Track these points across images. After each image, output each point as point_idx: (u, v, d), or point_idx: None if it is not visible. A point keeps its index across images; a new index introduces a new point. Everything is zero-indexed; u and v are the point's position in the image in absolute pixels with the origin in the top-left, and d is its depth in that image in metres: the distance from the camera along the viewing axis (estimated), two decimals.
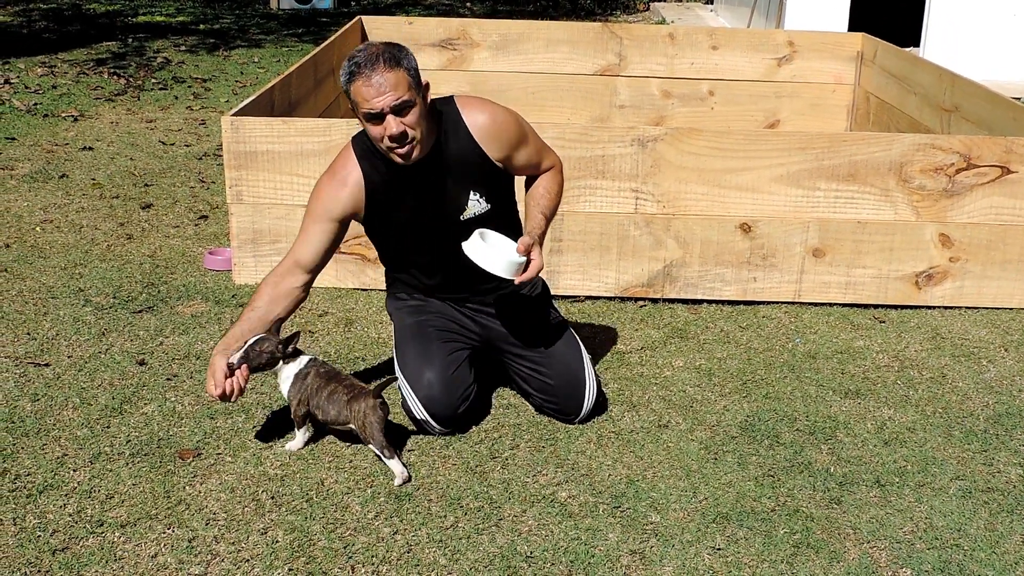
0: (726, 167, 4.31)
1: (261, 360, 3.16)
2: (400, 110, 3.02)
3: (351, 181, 3.24)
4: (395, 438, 3.31)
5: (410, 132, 3.06)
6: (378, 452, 3.08)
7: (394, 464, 3.07)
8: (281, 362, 3.20)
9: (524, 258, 3.11)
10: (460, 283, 3.43)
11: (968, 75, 5.85)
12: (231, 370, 3.10)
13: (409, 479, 3.07)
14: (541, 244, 3.24)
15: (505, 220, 3.38)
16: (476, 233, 3.14)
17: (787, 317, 4.38)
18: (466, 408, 3.34)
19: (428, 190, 3.25)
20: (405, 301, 3.54)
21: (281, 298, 3.26)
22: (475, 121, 3.24)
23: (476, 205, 3.29)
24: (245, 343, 3.14)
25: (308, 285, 3.32)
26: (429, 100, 3.15)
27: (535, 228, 3.28)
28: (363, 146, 3.24)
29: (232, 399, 3.13)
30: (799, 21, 9.71)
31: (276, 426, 3.36)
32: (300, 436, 3.23)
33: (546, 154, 3.43)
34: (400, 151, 3.09)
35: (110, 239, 4.99)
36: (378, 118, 3.03)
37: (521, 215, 3.48)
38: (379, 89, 2.99)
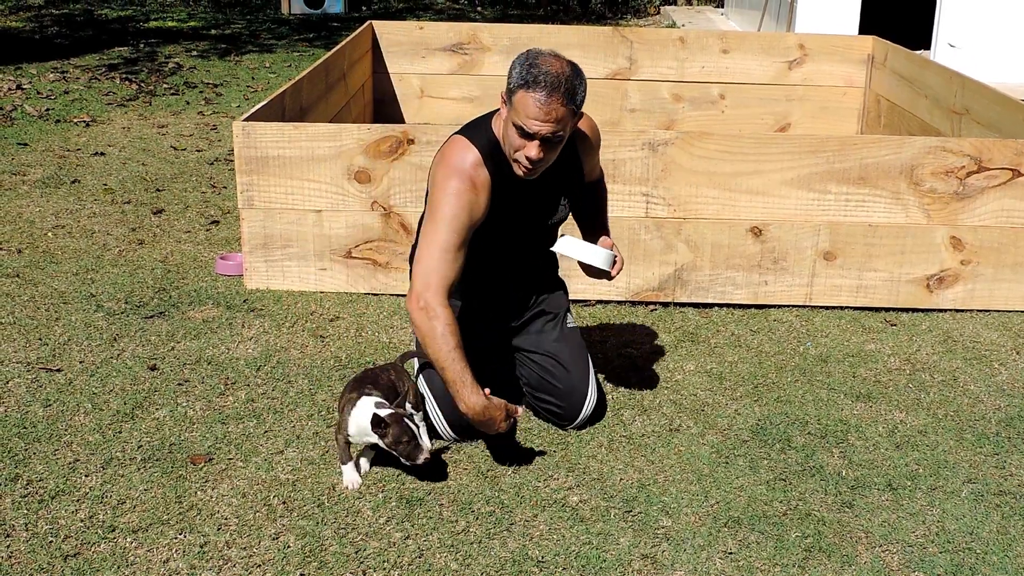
0: (737, 171, 4.31)
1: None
2: (548, 141, 3.02)
3: (481, 183, 3.11)
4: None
5: (543, 162, 3.07)
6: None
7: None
8: None
9: (612, 252, 3.30)
10: (518, 288, 3.46)
11: (979, 78, 5.83)
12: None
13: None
14: None
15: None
16: (565, 236, 3.30)
17: (798, 321, 4.37)
18: None
19: (531, 194, 3.25)
20: None
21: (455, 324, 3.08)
22: (576, 129, 3.26)
23: (562, 210, 3.36)
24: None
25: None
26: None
27: (606, 230, 3.49)
28: (485, 144, 3.14)
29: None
30: (810, 24, 9.69)
31: (287, 431, 3.37)
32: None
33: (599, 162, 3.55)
34: (526, 170, 3.08)
35: (122, 244, 5.00)
36: (527, 136, 3.01)
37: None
38: (546, 116, 2.95)
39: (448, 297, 3.06)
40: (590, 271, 3.35)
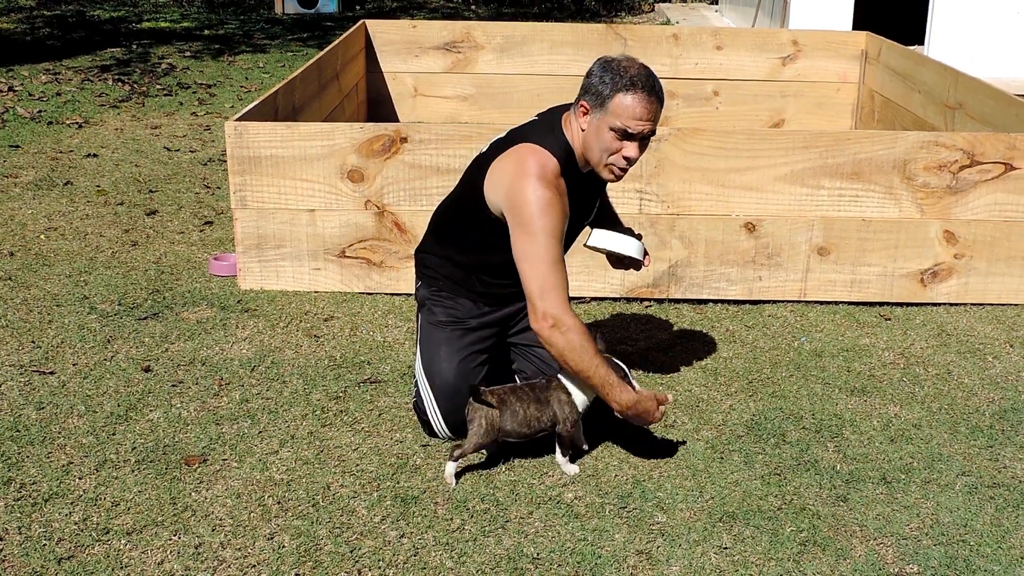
0: (730, 166, 4.31)
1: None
2: (645, 139, 3.12)
3: (563, 191, 3.13)
4: (399, 440, 3.32)
5: (635, 161, 3.15)
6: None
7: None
8: None
9: (643, 243, 3.42)
10: None
11: (972, 73, 5.83)
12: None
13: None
14: None
15: None
16: (598, 230, 3.38)
17: (792, 316, 4.37)
18: None
19: (583, 200, 3.29)
20: (437, 319, 3.43)
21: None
22: None
23: (593, 211, 3.43)
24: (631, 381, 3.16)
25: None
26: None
27: (620, 221, 3.55)
28: (562, 154, 3.15)
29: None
30: (803, 20, 9.70)
31: (282, 431, 3.37)
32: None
33: None
34: (617, 172, 3.16)
35: (115, 246, 5.00)
36: (627, 136, 3.07)
37: None
38: (648, 115, 3.07)
39: (566, 304, 3.07)
40: (618, 263, 3.45)
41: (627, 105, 3.04)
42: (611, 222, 3.55)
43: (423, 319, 3.47)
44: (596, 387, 3.08)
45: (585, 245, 3.42)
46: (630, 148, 3.10)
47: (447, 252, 3.41)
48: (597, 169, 3.17)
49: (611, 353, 3.94)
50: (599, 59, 3.15)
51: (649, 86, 3.07)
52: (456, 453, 3.09)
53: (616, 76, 3.06)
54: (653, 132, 3.13)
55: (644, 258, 3.42)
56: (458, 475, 3.12)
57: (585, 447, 3.26)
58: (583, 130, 3.13)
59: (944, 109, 5.82)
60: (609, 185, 4.24)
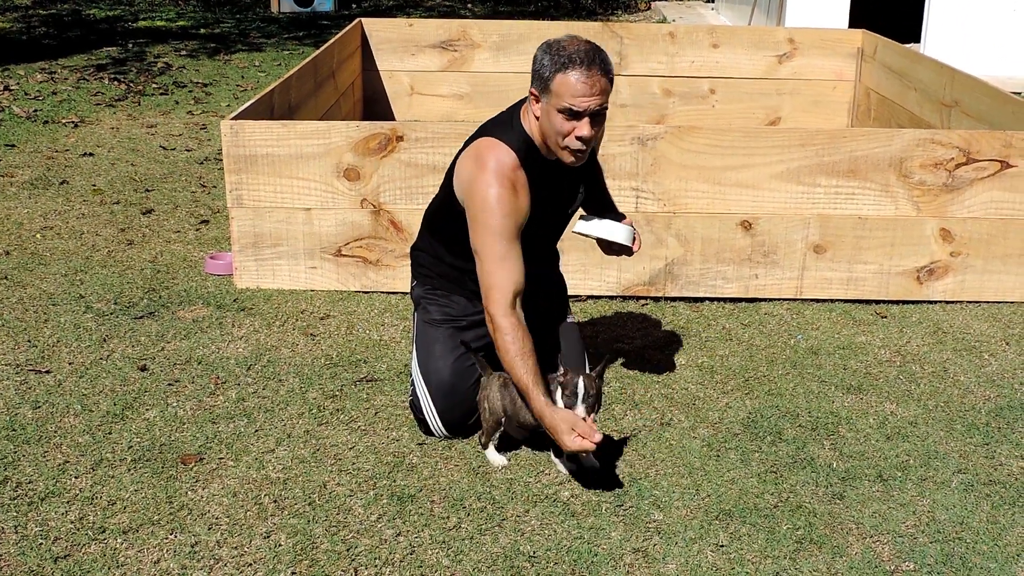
0: (726, 164, 4.31)
1: (597, 401, 3.03)
2: (597, 115, 3.03)
3: (521, 185, 3.11)
4: (395, 438, 3.32)
5: (593, 141, 3.08)
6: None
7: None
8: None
9: (633, 229, 3.38)
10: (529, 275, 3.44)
11: (968, 70, 5.84)
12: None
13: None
14: None
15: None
16: (585, 217, 3.34)
17: (789, 314, 4.37)
18: (476, 419, 3.33)
19: (559, 187, 3.26)
20: (433, 318, 3.44)
21: (527, 330, 3.08)
22: None
23: (580, 197, 3.38)
24: (576, 393, 2.98)
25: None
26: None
27: (615, 206, 3.51)
28: (521, 145, 3.13)
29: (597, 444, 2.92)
30: (800, 18, 9.70)
31: (278, 430, 3.37)
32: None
33: None
34: (576, 153, 3.08)
35: (111, 245, 4.99)
36: (576, 116, 3.01)
37: None
38: (591, 89, 2.98)
39: (505, 303, 3.05)
40: (609, 249, 3.42)
41: (568, 84, 2.98)
42: (605, 208, 3.51)
43: (419, 318, 3.47)
44: (520, 391, 3.05)
45: (572, 231, 3.41)
46: (581, 127, 3.02)
47: (438, 251, 3.41)
48: (558, 154, 3.11)
49: (609, 352, 3.96)
50: (542, 43, 3.08)
51: (589, 60, 2.98)
52: (483, 441, 3.18)
53: (555, 56, 3.00)
54: (604, 107, 3.04)
55: (633, 244, 3.38)
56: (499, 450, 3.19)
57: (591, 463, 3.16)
58: (537, 118, 3.10)
59: (940, 107, 5.83)
60: (607, 182, 4.26)
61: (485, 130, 3.21)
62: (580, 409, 2.96)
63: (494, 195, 3.06)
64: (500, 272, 3.07)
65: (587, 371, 3.13)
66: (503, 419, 3.15)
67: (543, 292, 3.54)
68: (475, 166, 3.12)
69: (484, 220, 3.07)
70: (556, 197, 3.29)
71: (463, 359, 3.34)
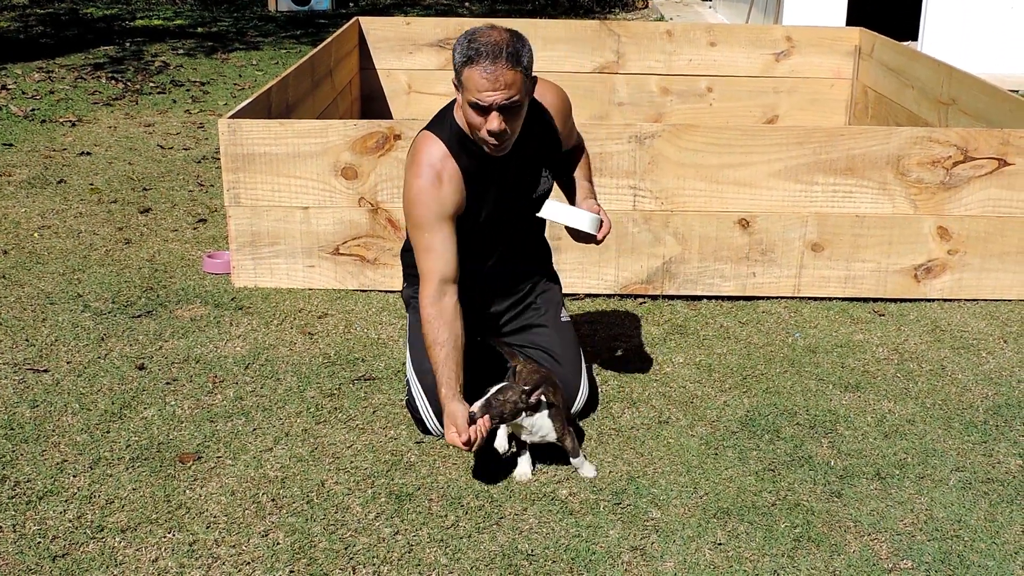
0: (724, 163, 4.31)
1: (504, 411, 2.99)
2: (507, 109, 2.99)
3: (448, 174, 3.12)
4: (393, 437, 3.32)
5: (509, 131, 3.04)
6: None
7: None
8: (524, 413, 3.03)
9: (599, 216, 3.27)
10: (508, 268, 3.44)
11: (966, 68, 5.84)
12: (472, 419, 2.97)
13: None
14: None
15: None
16: (550, 201, 3.26)
17: (786, 312, 4.37)
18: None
19: (512, 171, 3.24)
20: None
21: (453, 319, 3.10)
22: (545, 98, 3.26)
23: (545, 182, 3.34)
24: (487, 392, 3.01)
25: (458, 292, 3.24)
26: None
27: (591, 192, 3.40)
28: (451, 136, 3.14)
29: (475, 449, 2.97)
30: (797, 16, 9.70)
31: (276, 429, 3.37)
32: (585, 461, 3.15)
33: (576, 129, 3.52)
34: (493, 145, 3.06)
35: (108, 244, 4.99)
36: (483, 111, 2.99)
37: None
38: (495, 84, 2.93)
39: (454, 283, 3.12)
40: (577, 236, 3.32)
41: (473, 78, 2.95)
42: (574, 183, 3.46)
43: (411, 317, 3.48)
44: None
45: (537, 215, 3.32)
46: (490, 121, 2.99)
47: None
48: (480, 144, 3.10)
49: (606, 350, 3.96)
50: (462, 33, 3.06)
51: (495, 54, 2.91)
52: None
53: (463, 49, 2.97)
54: (515, 100, 2.97)
55: (598, 232, 3.28)
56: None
57: (573, 459, 3.15)
58: (462, 109, 3.11)
59: (938, 105, 5.83)
60: (603, 181, 4.27)
61: (425, 126, 3.25)
62: (475, 406, 2.98)
63: (416, 187, 3.11)
64: (426, 262, 3.12)
65: (532, 386, 3.05)
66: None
67: (537, 291, 3.55)
68: (408, 161, 3.20)
69: (408, 212, 3.15)
70: (512, 183, 3.25)
71: None
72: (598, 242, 3.33)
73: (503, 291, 3.48)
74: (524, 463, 3.13)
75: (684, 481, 3.12)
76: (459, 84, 3.03)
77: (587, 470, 3.14)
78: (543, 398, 3.05)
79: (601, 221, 3.28)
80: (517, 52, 2.96)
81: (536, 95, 3.20)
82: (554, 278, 3.65)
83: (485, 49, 2.93)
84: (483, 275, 3.39)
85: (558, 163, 3.41)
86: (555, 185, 3.45)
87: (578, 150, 3.50)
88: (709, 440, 3.36)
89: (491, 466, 3.17)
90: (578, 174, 3.47)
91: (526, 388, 3.03)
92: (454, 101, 3.20)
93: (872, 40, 6.96)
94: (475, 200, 3.18)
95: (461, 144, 3.13)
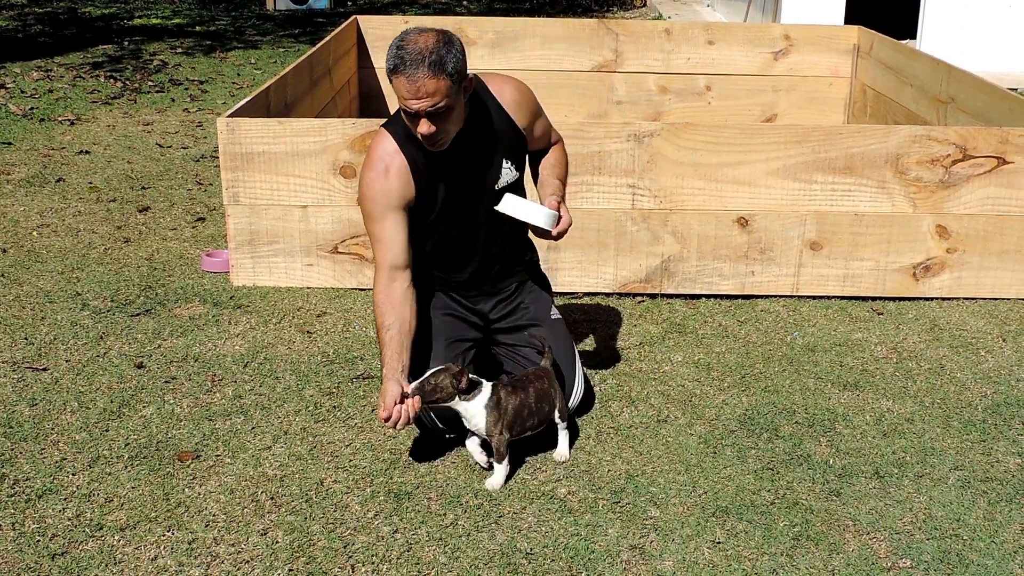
0: (722, 161, 4.31)
1: (436, 395, 3.04)
2: (434, 115, 3.03)
3: (396, 167, 3.19)
4: (392, 435, 3.32)
5: (441, 133, 3.07)
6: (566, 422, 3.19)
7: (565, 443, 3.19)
8: (458, 397, 3.07)
9: (557, 212, 3.24)
10: (483, 262, 3.45)
11: (964, 67, 5.84)
12: (403, 398, 3.02)
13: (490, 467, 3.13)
14: (563, 203, 3.35)
15: (524, 189, 3.47)
16: (508, 195, 3.24)
17: (785, 310, 4.37)
18: None
19: (466, 162, 3.27)
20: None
21: (400, 305, 3.17)
22: (503, 93, 3.31)
23: (508, 173, 3.34)
24: (426, 373, 3.08)
25: (412, 278, 3.26)
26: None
27: (557, 189, 3.39)
28: (401, 131, 3.20)
29: (399, 427, 3.04)
30: (795, 15, 9.70)
31: (275, 427, 3.37)
32: (502, 470, 3.09)
33: (553, 128, 3.54)
34: (429, 143, 3.11)
35: (107, 243, 4.99)
36: (411, 115, 3.04)
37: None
38: (417, 92, 2.97)
39: (404, 270, 3.21)
40: (536, 231, 3.30)
41: (397, 87, 3.00)
42: (544, 181, 3.45)
43: None
44: None
45: (495, 209, 3.28)
46: (421, 125, 3.03)
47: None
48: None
49: (605, 349, 3.96)
50: (397, 35, 3.10)
51: (417, 62, 2.95)
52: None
53: (391, 57, 3.01)
54: (440, 107, 3.00)
55: (553, 227, 3.24)
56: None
57: (496, 463, 3.11)
58: None
59: (936, 103, 5.83)
60: (602, 180, 4.27)
61: (383, 123, 3.33)
62: (410, 386, 3.04)
63: (366, 180, 3.21)
64: (377, 252, 3.22)
65: (459, 370, 3.09)
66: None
67: (526, 291, 3.54)
68: (364, 157, 3.30)
69: (360, 204, 3.27)
70: (468, 173, 3.28)
71: (443, 350, 3.34)
72: (554, 238, 3.30)
73: (486, 290, 3.49)
74: (499, 472, 3.10)
75: (683, 480, 3.13)
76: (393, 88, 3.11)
77: (494, 481, 3.09)
78: (485, 389, 3.10)
79: (560, 217, 3.25)
80: (441, 59, 2.98)
81: (494, 90, 3.29)
82: (541, 278, 3.65)
83: (409, 58, 2.96)
84: (461, 273, 3.42)
85: (523, 157, 3.43)
86: (528, 182, 3.46)
87: (555, 150, 3.53)
88: (708, 439, 3.37)
89: (490, 465, 3.17)
90: (548, 172, 3.48)
91: (457, 372, 3.06)
92: None
93: (871, 38, 6.96)
94: (429, 190, 3.24)
95: (410, 138, 3.19)
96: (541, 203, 3.34)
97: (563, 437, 3.23)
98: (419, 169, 3.20)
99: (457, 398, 3.06)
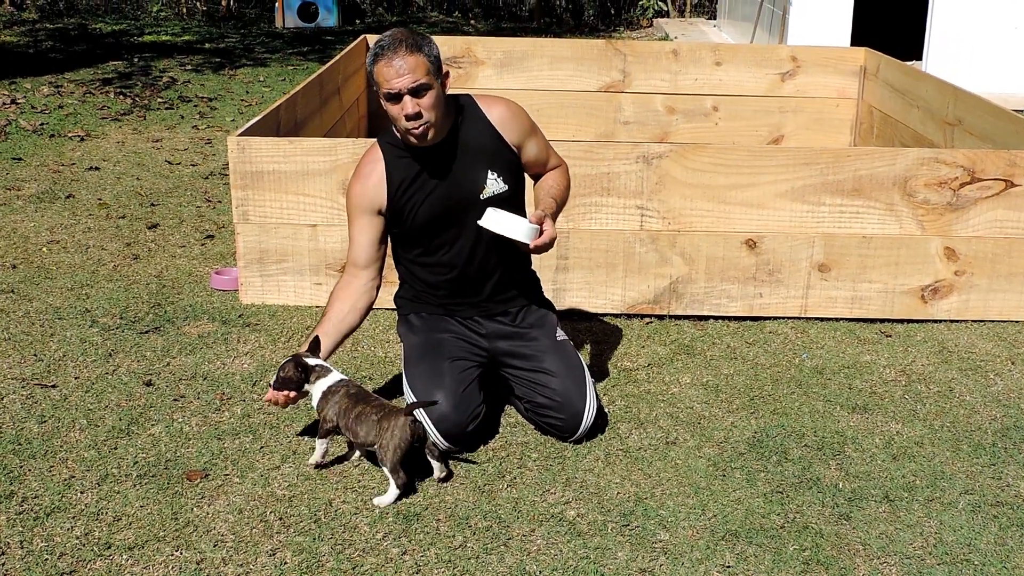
0: (731, 183, 4.32)
1: (285, 386, 3.25)
2: (417, 92, 3.20)
3: (374, 175, 3.38)
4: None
5: (425, 114, 3.22)
6: (388, 471, 3.07)
7: (391, 492, 3.06)
8: (306, 385, 3.27)
9: (538, 226, 3.26)
10: (477, 275, 3.48)
11: (971, 89, 5.85)
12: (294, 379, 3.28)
13: (392, 502, 3.06)
14: (553, 220, 3.37)
15: (523, 207, 3.56)
16: (489, 209, 3.27)
17: (793, 332, 4.37)
18: (475, 427, 3.35)
19: (448, 171, 3.37)
20: (414, 324, 3.58)
21: (347, 296, 3.43)
22: (491, 109, 3.45)
23: (495, 184, 3.41)
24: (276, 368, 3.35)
25: (373, 281, 3.49)
26: (447, 90, 3.34)
27: (549, 206, 3.43)
28: (387, 142, 3.41)
29: (284, 406, 3.34)
30: (802, 36, 9.73)
31: (284, 447, 3.37)
32: (320, 448, 3.23)
33: (552, 152, 3.63)
34: (415, 131, 3.24)
35: (116, 259, 5.00)
36: (396, 98, 3.21)
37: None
38: (398, 71, 3.17)
39: (363, 269, 3.44)
40: (521, 246, 3.29)
41: (379, 73, 3.21)
42: (540, 200, 3.47)
43: (401, 327, 3.64)
44: None
45: (478, 223, 3.29)
46: (405, 105, 3.20)
47: (410, 268, 3.58)
48: (406, 141, 3.32)
49: (613, 370, 3.96)
50: None
51: (395, 45, 3.19)
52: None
53: (370, 53, 3.25)
54: (422, 83, 3.19)
55: (532, 241, 3.22)
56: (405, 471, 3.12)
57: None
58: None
59: (943, 125, 5.84)
60: (611, 201, 4.28)
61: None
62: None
63: (349, 187, 3.44)
64: (349, 249, 3.48)
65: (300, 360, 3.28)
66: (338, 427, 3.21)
67: (530, 318, 3.56)
68: None
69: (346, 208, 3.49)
70: (454, 180, 3.37)
71: (447, 369, 3.37)
72: (534, 251, 3.30)
73: (485, 310, 3.53)
74: (318, 449, 3.24)
75: (692, 503, 3.12)
76: (376, 88, 3.26)
77: (312, 458, 3.25)
78: (333, 377, 3.25)
79: (543, 231, 3.25)
80: (417, 42, 3.24)
81: (483, 107, 3.43)
82: (545, 303, 3.68)
83: (386, 42, 3.22)
84: (449, 283, 3.49)
85: (517, 173, 3.49)
86: (519, 199, 3.53)
87: (555, 172, 3.60)
88: (717, 461, 3.36)
89: (498, 486, 3.17)
90: (544, 192, 3.54)
91: (304, 362, 3.23)
92: None
93: (877, 60, 6.98)
94: (408, 197, 3.37)
95: (395, 147, 3.37)
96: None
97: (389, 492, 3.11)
98: (401, 177, 3.36)
99: (305, 385, 3.25)
